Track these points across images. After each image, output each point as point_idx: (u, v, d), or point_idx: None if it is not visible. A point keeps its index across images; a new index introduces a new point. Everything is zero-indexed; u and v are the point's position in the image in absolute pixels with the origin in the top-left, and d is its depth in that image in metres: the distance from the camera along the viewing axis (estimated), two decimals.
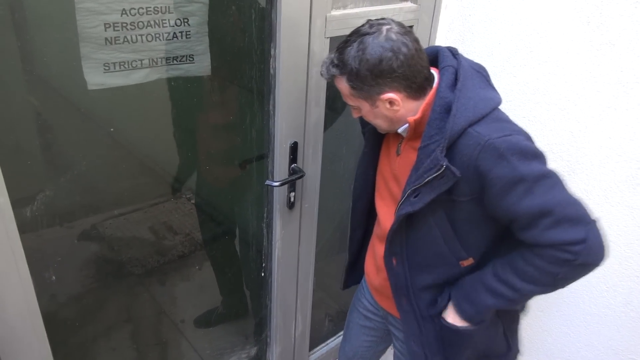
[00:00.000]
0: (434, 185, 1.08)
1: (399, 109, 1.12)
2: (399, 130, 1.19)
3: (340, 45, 1.12)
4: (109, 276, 1.59)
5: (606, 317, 1.70)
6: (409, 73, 1.07)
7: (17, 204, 1.09)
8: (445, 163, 1.04)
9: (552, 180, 1.07)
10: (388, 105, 1.11)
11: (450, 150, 1.07)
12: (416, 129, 1.14)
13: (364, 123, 1.36)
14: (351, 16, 1.53)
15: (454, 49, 1.20)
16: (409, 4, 1.73)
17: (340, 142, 1.93)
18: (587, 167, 1.60)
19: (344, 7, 1.53)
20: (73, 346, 1.53)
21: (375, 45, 1.05)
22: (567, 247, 1.05)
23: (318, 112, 1.58)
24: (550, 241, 1.05)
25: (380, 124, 1.18)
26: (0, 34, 1.08)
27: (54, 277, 1.34)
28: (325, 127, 1.63)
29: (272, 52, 1.41)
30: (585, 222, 1.06)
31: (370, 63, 1.05)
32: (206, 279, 1.88)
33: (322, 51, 1.48)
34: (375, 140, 1.33)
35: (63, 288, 1.42)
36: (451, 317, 1.23)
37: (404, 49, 1.05)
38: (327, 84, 1.56)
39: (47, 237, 1.31)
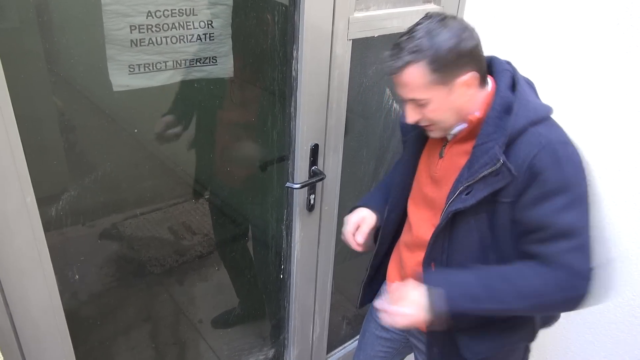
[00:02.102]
0: (488, 182, 1.06)
1: (475, 91, 1.09)
2: (452, 132, 1.17)
3: (405, 36, 1.06)
4: (128, 275, 1.60)
5: (632, 326, 1.66)
6: (481, 56, 1.08)
7: (42, 202, 1.10)
8: (502, 159, 1.03)
9: (588, 206, 1.06)
10: (465, 88, 1.07)
11: (508, 149, 1.05)
12: (472, 129, 1.13)
13: (405, 130, 1.32)
14: (374, 18, 1.52)
15: (507, 61, 1.19)
16: (432, 6, 1.71)
17: (360, 144, 1.92)
18: (615, 172, 1.57)
19: (367, 9, 1.52)
20: (93, 344, 1.55)
21: (452, 27, 1.03)
22: (572, 277, 1.04)
23: (339, 114, 1.57)
24: (563, 264, 1.04)
25: (446, 118, 1.12)
26: (27, 36, 1.09)
27: (77, 276, 1.36)
28: (346, 130, 1.63)
29: (295, 54, 1.41)
30: (590, 264, 1.05)
31: (452, 42, 1.02)
32: (224, 280, 1.89)
33: (344, 53, 1.48)
34: (418, 147, 1.30)
35: (84, 286, 1.44)
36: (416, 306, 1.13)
37: (475, 32, 1.06)
38: (349, 87, 1.56)
39: (70, 236, 1.32)
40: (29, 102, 1.13)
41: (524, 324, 1.25)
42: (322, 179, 1.59)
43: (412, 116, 1.13)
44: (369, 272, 1.53)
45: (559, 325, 1.85)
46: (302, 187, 1.54)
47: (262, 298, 1.99)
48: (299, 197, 1.60)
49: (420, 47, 1.02)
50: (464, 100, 1.09)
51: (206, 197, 1.70)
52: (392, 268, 1.45)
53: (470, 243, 1.15)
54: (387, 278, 1.48)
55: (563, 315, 1.82)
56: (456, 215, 1.14)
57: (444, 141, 1.21)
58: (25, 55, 1.11)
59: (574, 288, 1.04)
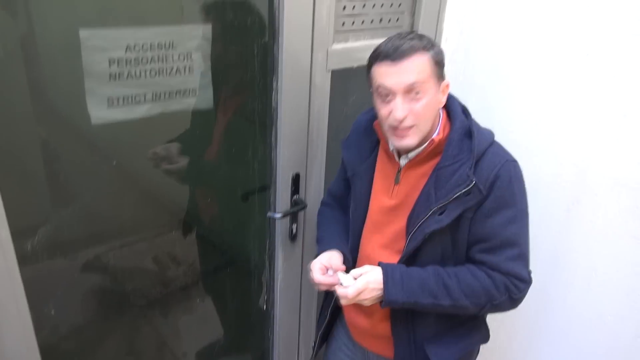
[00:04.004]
0: (461, 202, 1.12)
1: (444, 101, 1.18)
2: (410, 155, 1.19)
3: (404, 35, 1.12)
4: (111, 308, 1.57)
5: (615, 350, 1.66)
6: None
7: (20, 235, 1.09)
8: (474, 179, 1.10)
9: (527, 220, 1.17)
10: (442, 95, 1.16)
11: (474, 170, 1.13)
12: (431, 151, 1.17)
13: (354, 164, 1.31)
14: (352, 50, 1.55)
15: None
16: None
17: None
18: (591, 197, 1.59)
19: (345, 41, 1.56)
20: None
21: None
22: (517, 281, 1.15)
23: (320, 143, 1.59)
24: (507, 270, 1.14)
25: (429, 118, 1.13)
26: (11, 66, 1.10)
27: (53, 311, 1.33)
28: (328, 159, 1.64)
29: (275, 85, 1.43)
30: (529, 269, 1.20)
31: (442, 50, 1.15)
32: (209, 311, 1.86)
33: (323, 84, 1.51)
34: (370, 179, 1.29)
35: (64, 320, 1.41)
36: (374, 283, 1.16)
37: None
38: (329, 115, 1.58)
39: (50, 268, 1.30)
40: (11, 132, 1.13)
41: (479, 326, 1.34)
42: (303, 208, 1.59)
43: (402, 110, 1.10)
44: (328, 319, 1.48)
45: (542, 350, 1.85)
46: (283, 216, 1.55)
47: (246, 329, 1.96)
48: (281, 227, 1.60)
49: (426, 42, 1.11)
50: (439, 106, 1.18)
51: (191, 226, 1.69)
52: (350, 307, 1.40)
53: (433, 258, 1.20)
54: (347, 316, 1.44)
55: (548, 341, 1.82)
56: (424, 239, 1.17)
57: (397, 167, 1.24)
58: (8, 84, 1.12)
59: (515, 290, 1.15)
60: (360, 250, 1.34)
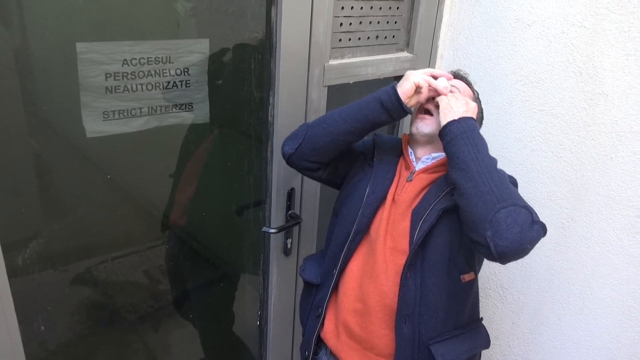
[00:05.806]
0: None
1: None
2: (434, 154, 1.31)
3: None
4: (101, 322, 1.55)
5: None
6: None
7: (11, 247, 1.08)
8: None
9: None
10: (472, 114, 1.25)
11: None
12: (444, 164, 1.28)
13: (382, 152, 1.37)
14: (349, 65, 1.56)
15: None
16: (405, 54, 1.77)
17: None
18: (585, 215, 1.60)
19: (342, 57, 1.57)
20: None
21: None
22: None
23: None
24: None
25: (449, 110, 1.23)
26: (5, 79, 1.10)
27: (42, 327, 1.31)
28: None
29: (271, 100, 1.43)
30: None
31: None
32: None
33: (320, 99, 1.51)
34: (392, 172, 1.34)
35: (53, 335, 1.39)
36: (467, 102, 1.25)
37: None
38: None
39: (42, 281, 1.28)
40: (4, 145, 1.12)
41: (480, 330, 1.37)
42: (298, 223, 1.58)
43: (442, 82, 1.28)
44: (324, 315, 1.40)
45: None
46: (278, 231, 1.54)
47: (238, 346, 1.94)
48: (276, 242, 1.59)
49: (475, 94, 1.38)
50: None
51: (183, 239, 1.68)
52: (331, 324, 1.37)
53: (442, 248, 1.21)
54: (342, 312, 1.35)
55: (543, 358, 1.82)
56: (439, 217, 1.20)
57: (411, 169, 1.32)
58: (2, 97, 1.11)
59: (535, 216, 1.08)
60: (369, 241, 1.31)
